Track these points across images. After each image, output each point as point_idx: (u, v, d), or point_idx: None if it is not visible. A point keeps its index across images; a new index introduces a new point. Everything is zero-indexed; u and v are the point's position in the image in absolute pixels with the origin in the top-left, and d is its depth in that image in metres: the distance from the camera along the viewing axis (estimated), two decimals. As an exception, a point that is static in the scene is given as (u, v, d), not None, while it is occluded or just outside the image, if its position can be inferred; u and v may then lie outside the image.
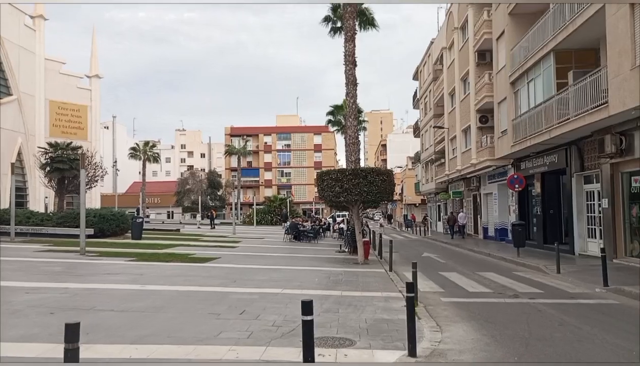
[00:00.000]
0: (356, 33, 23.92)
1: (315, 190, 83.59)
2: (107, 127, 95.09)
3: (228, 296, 9.62)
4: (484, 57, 27.25)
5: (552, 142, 18.10)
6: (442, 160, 36.48)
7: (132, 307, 8.34)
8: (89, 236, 24.61)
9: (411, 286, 5.96)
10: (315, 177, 17.86)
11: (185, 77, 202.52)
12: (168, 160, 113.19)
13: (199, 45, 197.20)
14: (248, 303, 8.93)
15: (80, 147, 28.25)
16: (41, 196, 47.67)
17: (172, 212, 78.93)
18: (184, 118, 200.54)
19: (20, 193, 47.88)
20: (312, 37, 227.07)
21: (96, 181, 30.43)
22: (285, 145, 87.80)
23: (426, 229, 42.98)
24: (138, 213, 53.66)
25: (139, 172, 72.00)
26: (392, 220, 69.70)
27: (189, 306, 8.60)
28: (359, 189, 16.51)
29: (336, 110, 47.36)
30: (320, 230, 32.64)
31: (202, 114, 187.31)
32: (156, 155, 74.51)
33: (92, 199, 54.29)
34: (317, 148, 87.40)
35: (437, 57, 39.29)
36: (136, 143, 75.04)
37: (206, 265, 15.19)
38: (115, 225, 27.16)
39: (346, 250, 22.18)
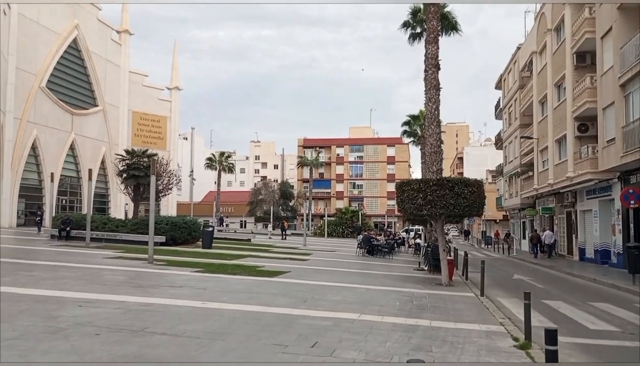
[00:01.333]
0: (439, 35, 22.20)
1: (389, 202, 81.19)
2: (186, 138, 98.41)
3: (297, 321, 8.25)
4: (584, 59, 24.49)
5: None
6: (530, 174, 33.52)
7: (187, 330, 7.16)
8: (160, 243, 24.59)
9: (554, 336, 4.25)
10: (395, 187, 16.19)
11: (261, 92, 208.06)
12: (242, 170, 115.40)
13: (275, 62, 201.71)
14: (321, 332, 7.50)
15: (155, 155, 28.33)
16: (122, 203, 49.29)
17: (245, 221, 79.71)
18: (259, 132, 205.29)
19: (103, 200, 49.78)
20: (385, 52, 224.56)
21: (170, 189, 30.50)
22: (357, 157, 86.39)
23: (509, 247, 39.80)
24: (222, 222, 53.46)
25: (215, 182, 73.24)
26: (470, 236, 66.09)
27: (252, 332, 7.30)
28: (445, 201, 14.70)
29: (412, 120, 45.45)
30: (395, 245, 30.79)
31: (277, 128, 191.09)
32: (231, 165, 75.79)
33: (168, 207, 55.63)
34: (390, 161, 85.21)
35: (525, 63, 36.45)
36: (212, 154, 76.74)
37: (275, 279, 13.99)
38: (187, 233, 26.87)
39: (425, 268, 20.32)
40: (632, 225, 16.91)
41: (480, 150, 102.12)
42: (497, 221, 56.91)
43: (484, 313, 10.38)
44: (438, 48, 21.73)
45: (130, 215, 43.83)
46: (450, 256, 16.45)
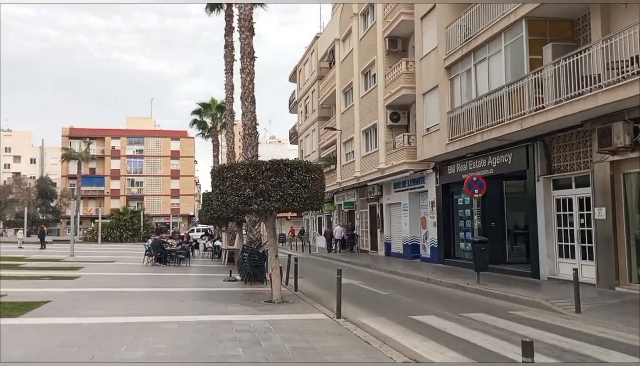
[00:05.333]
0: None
1: (172, 201, 74.76)
2: None
3: None
4: (395, 44, 23.52)
5: (510, 137, 14.49)
6: (332, 167, 32.29)
7: None
8: None
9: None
10: (211, 174, 11.81)
11: (15, 76, 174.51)
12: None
13: (33, 44, 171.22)
14: None
15: None
16: None
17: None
18: (11, 121, 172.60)
19: None
20: (161, 46, 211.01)
21: None
22: (137, 150, 77.63)
23: (304, 245, 38.46)
24: None
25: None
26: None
27: None
28: (282, 192, 11.01)
29: (203, 108, 40.82)
30: (190, 250, 26.12)
31: (35, 117, 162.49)
32: (-33, 157, 60.14)
33: None
34: (175, 155, 78.72)
35: (326, 52, 35.24)
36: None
37: (24, 322, 8.43)
38: None
39: (238, 277, 16.37)
40: (475, 217, 15.77)
41: (267, 148, 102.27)
42: (288, 218, 56.02)
43: (370, 351, 6.98)
44: (252, 8, 18.00)
45: None
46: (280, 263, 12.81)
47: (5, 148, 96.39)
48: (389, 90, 22.69)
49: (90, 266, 20.50)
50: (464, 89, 16.92)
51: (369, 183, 27.03)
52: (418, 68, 20.59)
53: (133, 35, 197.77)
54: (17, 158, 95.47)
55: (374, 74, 25.28)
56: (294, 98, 47.01)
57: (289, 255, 16.19)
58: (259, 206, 11.06)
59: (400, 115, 23.32)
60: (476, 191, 14.08)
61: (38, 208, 63.00)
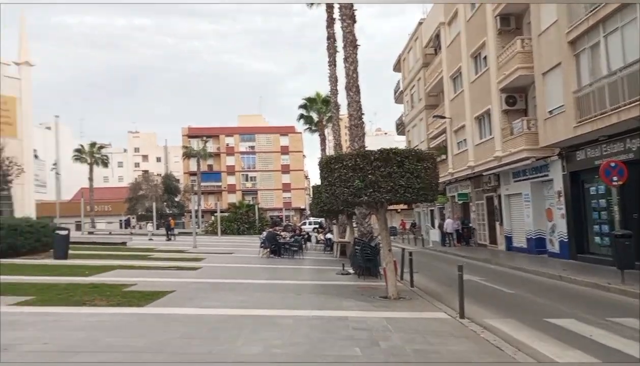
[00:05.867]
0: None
1: (284, 195, 76.98)
2: (49, 128, 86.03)
3: None
4: (508, 22, 21.82)
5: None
6: (443, 157, 30.97)
7: None
8: (-7, 255, 17.96)
9: None
10: (319, 165, 11.52)
11: (138, 83, 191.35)
12: (120, 164, 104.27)
13: (152, 52, 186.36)
14: None
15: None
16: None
17: (124, 221, 70.74)
18: (138, 124, 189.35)
19: None
20: (266, 46, 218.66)
21: (8, 182, 23.26)
22: (249, 147, 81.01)
23: (416, 238, 37.44)
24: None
25: (89, 178, 64.00)
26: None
27: None
28: (393, 183, 10.49)
29: (309, 103, 41.23)
30: (303, 242, 26.46)
31: (158, 120, 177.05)
32: (104, 157, 66.63)
33: (23, 207, 46.18)
34: (284, 151, 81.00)
35: (430, 38, 33.87)
36: (81, 144, 67.02)
37: (146, 311, 8.81)
38: (33, 239, 20.30)
39: (351, 271, 16.13)
40: (615, 208, 13.91)
41: (372, 140, 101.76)
42: (398, 211, 55.10)
43: (503, 358, 6.26)
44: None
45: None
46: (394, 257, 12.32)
47: (134, 148, 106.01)
48: (503, 73, 21.07)
49: (211, 257, 21.49)
50: (592, 64, 15.10)
51: (484, 173, 25.46)
52: (536, 45, 18.82)
53: (240, 37, 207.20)
54: (145, 158, 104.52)
55: (485, 56, 23.69)
56: (399, 88, 45.91)
57: (403, 249, 15.60)
58: (369, 197, 10.65)
59: (517, 98, 21.58)
60: (615, 178, 12.43)
61: (165, 203, 68.14)
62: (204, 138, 75.82)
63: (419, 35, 37.28)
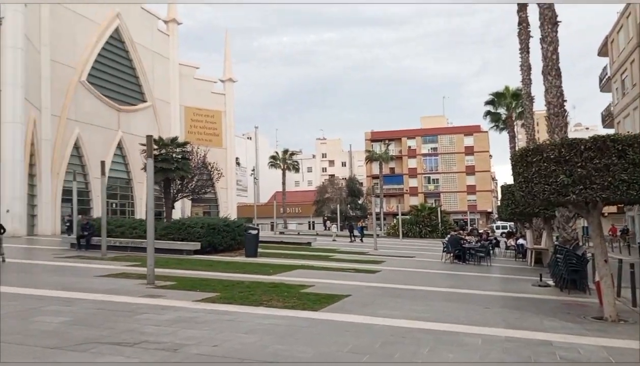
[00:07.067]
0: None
1: (469, 197, 73.26)
2: (250, 138, 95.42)
3: None
4: None
5: None
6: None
7: None
8: (194, 251, 19.83)
9: None
10: (512, 159, 9.77)
11: (325, 94, 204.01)
12: (309, 169, 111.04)
13: (337, 63, 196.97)
14: None
15: (188, 143, 23.60)
16: (180, 205, 45.48)
17: (313, 222, 74.74)
18: (325, 133, 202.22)
19: (158, 203, 46.36)
20: (449, 47, 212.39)
21: (210, 186, 25.71)
22: (431, 148, 78.97)
23: (630, 246, 31.71)
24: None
25: (282, 182, 69.04)
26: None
27: None
28: (610, 177, 8.41)
29: (497, 99, 38.17)
30: (491, 248, 24.22)
31: (342, 128, 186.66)
32: (295, 163, 71.16)
33: (228, 208, 51.49)
34: (469, 151, 77.04)
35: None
36: (275, 152, 72.58)
37: (320, 316, 8.31)
38: (229, 237, 21.96)
39: (551, 283, 13.86)
40: None
41: (570, 136, 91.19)
42: (606, 214, 47.86)
43: None
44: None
45: (187, 215, 40.37)
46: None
47: (322, 154, 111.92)
48: None
49: (390, 260, 20.81)
50: None
51: None
52: None
53: (422, 41, 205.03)
54: (331, 163, 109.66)
55: None
56: (606, 74, 39.83)
57: (620, 260, 12.87)
58: (578, 196, 8.71)
59: None
60: None
61: (348, 206, 70.20)
62: (386, 141, 76.21)
63: (631, 11, 31.79)
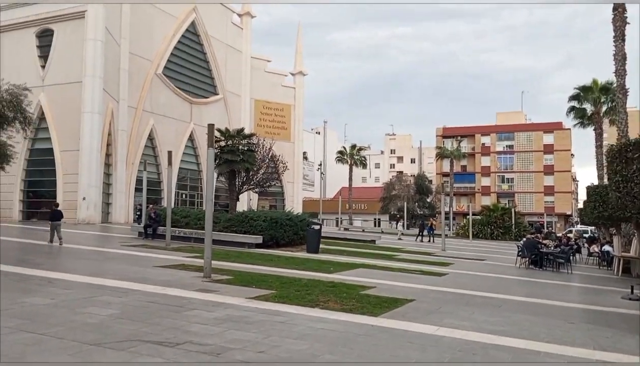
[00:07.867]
0: None
1: (546, 199, 69.13)
2: (319, 133, 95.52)
3: None
4: None
5: None
6: None
7: None
8: (256, 245, 19.63)
9: None
10: (608, 154, 8.41)
11: (398, 88, 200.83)
12: (377, 165, 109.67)
13: (411, 58, 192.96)
14: None
15: (254, 135, 23.46)
16: (246, 197, 46.07)
17: (379, 219, 73.60)
18: (395, 128, 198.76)
19: (226, 194, 47.21)
20: (528, 40, 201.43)
21: (275, 179, 25.51)
22: (507, 146, 75.21)
23: None
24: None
25: (349, 178, 68.50)
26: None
27: None
28: None
29: (583, 93, 35.37)
30: (571, 253, 22.29)
31: (413, 123, 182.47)
32: (363, 159, 70.29)
33: (293, 202, 51.65)
34: (548, 150, 72.64)
35: None
36: (343, 147, 72.08)
37: (379, 323, 7.55)
38: (292, 232, 21.65)
39: (643, 296, 12.25)
40: None
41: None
42: None
43: None
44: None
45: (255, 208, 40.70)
46: None
47: (391, 150, 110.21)
48: None
49: (459, 263, 19.63)
50: None
51: None
52: None
53: (499, 35, 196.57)
54: (399, 159, 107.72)
55: None
56: None
57: None
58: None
59: None
60: None
61: (416, 204, 68.46)
62: (458, 138, 73.53)
63: None
